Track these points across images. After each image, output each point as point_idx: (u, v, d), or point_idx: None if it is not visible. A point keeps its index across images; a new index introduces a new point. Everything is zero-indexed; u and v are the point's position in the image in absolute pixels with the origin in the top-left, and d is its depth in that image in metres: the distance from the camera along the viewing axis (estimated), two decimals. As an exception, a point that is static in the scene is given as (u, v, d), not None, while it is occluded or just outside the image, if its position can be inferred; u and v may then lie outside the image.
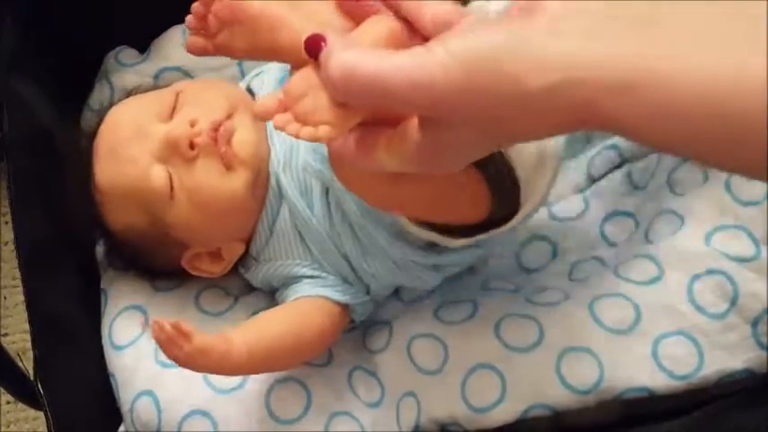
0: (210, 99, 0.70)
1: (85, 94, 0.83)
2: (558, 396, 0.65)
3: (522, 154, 0.59)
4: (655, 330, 0.66)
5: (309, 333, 0.67)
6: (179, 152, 0.67)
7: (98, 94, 0.83)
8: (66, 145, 0.76)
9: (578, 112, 0.39)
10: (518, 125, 0.41)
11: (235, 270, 0.75)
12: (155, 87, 0.77)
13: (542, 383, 0.66)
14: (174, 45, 0.83)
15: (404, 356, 0.69)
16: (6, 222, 1.10)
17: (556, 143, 0.62)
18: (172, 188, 0.67)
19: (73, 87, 0.82)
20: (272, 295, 0.75)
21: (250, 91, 0.75)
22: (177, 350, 0.59)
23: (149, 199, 0.68)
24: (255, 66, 0.81)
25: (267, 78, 0.74)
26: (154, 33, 0.84)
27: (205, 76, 0.82)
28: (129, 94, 0.76)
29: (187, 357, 0.60)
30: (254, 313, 0.74)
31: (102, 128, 0.71)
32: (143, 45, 0.84)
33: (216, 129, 0.67)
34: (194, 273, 0.73)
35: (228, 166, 0.67)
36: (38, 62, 0.76)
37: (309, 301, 0.69)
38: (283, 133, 0.69)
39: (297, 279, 0.71)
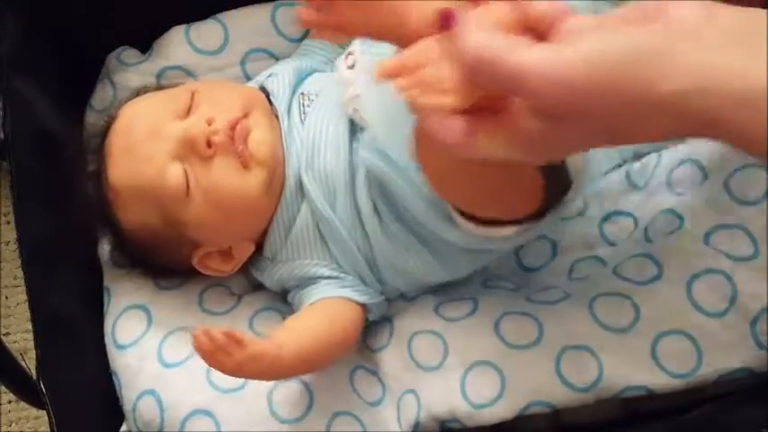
0: (226, 98, 0.70)
1: (87, 94, 0.83)
2: (556, 393, 0.66)
3: (573, 161, 0.60)
4: (654, 329, 0.66)
5: (339, 335, 0.68)
6: (196, 151, 0.67)
7: (101, 94, 0.83)
8: (68, 144, 0.77)
9: (702, 120, 0.40)
10: (640, 127, 0.42)
11: (239, 269, 0.75)
12: (162, 87, 0.76)
13: (541, 381, 0.66)
14: (177, 44, 0.82)
15: (404, 354, 0.70)
16: (8, 222, 1.10)
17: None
18: (188, 187, 0.67)
19: (74, 87, 0.82)
20: (274, 294, 0.75)
21: (264, 90, 0.75)
22: (226, 358, 0.59)
23: (165, 197, 0.68)
24: (261, 68, 0.81)
25: (281, 79, 0.74)
26: (155, 34, 0.83)
27: (208, 76, 0.82)
28: (137, 93, 0.76)
29: (236, 365, 0.59)
30: (258, 312, 0.74)
31: (117, 126, 0.71)
32: (145, 46, 0.84)
33: (233, 127, 0.67)
34: (204, 271, 0.73)
35: (245, 165, 0.67)
36: (39, 62, 0.76)
37: (334, 303, 0.69)
38: (304, 133, 0.69)
39: (314, 280, 0.71)
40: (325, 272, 0.70)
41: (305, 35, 0.82)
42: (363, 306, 0.71)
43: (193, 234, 0.70)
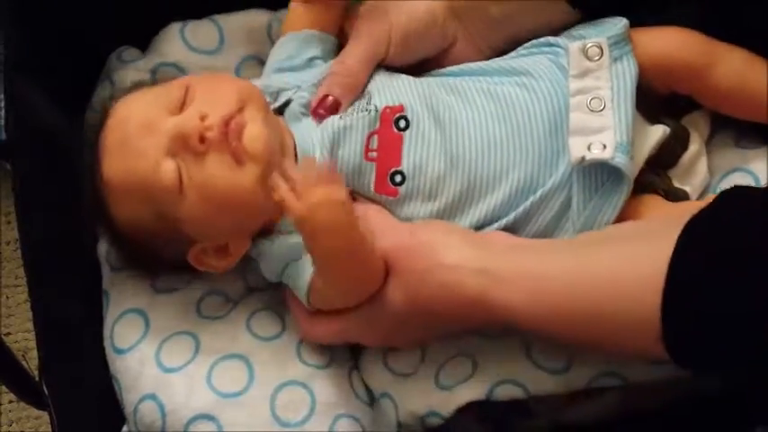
0: (221, 92, 0.69)
1: (88, 94, 0.83)
2: (527, 373, 0.67)
3: None
4: None
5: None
6: (189, 146, 0.66)
7: (101, 94, 0.82)
8: (70, 145, 0.76)
9: None
10: None
11: (234, 272, 0.75)
12: (156, 82, 0.76)
13: (512, 361, 0.67)
14: (171, 41, 0.82)
15: (380, 361, 0.71)
16: (8, 222, 1.10)
17: None
18: (181, 183, 0.66)
19: (76, 88, 0.81)
20: (271, 296, 0.76)
21: (288, 104, 0.74)
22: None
23: (158, 193, 0.67)
24: (253, 76, 0.80)
25: (306, 89, 0.74)
26: (157, 34, 0.83)
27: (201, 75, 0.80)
28: (130, 89, 0.75)
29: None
30: (254, 313, 0.74)
31: (111, 122, 0.70)
32: (146, 46, 0.84)
33: (227, 123, 0.66)
34: (199, 268, 0.72)
35: (239, 161, 0.66)
36: (42, 63, 0.76)
37: None
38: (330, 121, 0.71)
39: None
40: None
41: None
42: None
43: (188, 230, 0.69)
